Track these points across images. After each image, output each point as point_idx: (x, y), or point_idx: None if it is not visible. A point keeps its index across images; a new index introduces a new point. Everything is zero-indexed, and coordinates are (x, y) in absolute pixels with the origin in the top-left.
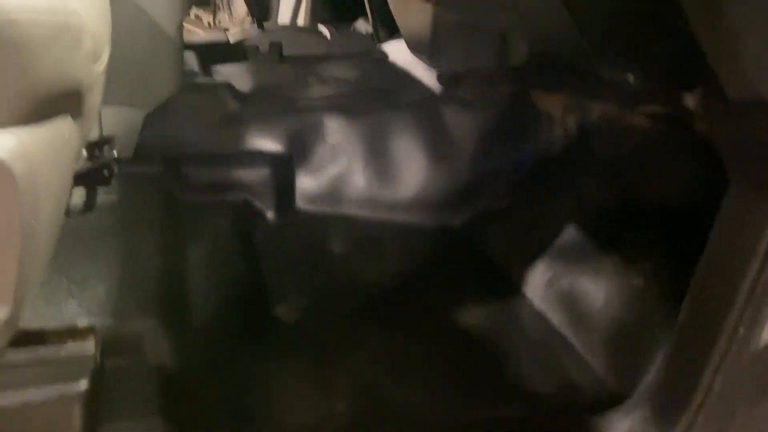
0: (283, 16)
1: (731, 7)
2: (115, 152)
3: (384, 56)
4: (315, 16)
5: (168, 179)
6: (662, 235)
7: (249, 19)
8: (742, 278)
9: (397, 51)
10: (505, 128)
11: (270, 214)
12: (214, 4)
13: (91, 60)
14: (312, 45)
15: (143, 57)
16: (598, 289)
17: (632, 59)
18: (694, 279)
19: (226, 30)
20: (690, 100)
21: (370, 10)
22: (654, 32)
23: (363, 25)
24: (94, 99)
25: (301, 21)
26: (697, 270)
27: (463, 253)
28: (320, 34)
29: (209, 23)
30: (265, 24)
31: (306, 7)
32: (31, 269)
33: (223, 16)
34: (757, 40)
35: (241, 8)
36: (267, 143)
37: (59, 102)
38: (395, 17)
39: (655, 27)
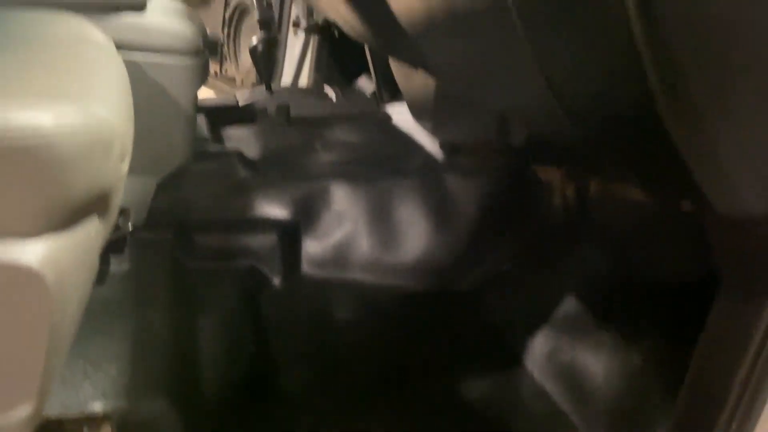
0: (287, 75)
1: (711, 125)
2: (130, 224)
3: (387, 118)
4: (319, 74)
5: (178, 246)
6: (662, 313)
7: (254, 70)
8: (732, 378)
9: (399, 113)
10: (505, 196)
11: (276, 280)
12: (221, 54)
13: (119, 161)
14: (318, 107)
15: (159, 128)
16: (597, 365)
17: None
18: (690, 370)
19: (232, 79)
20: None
21: (374, 72)
22: (642, 142)
23: (365, 82)
24: (118, 195)
25: (304, 79)
26: (692, 363)
27: (467, 318)
28: (326, 95)
29: (216, 72)
30: (273, 83)
31: (310, 66)
32: (55, 363)
33: (229, 66)
34: (742, 159)
35: (247, 59)
36: (275, 210)
37: (88, 206)
38: (399, 84)
39: (643, 138)
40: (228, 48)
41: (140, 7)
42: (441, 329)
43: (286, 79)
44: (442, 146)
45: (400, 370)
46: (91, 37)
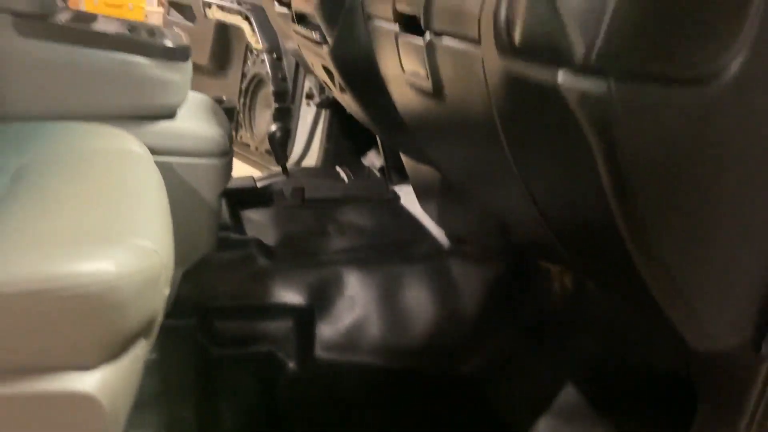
0: (299, 144)
1: (672, 263)
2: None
3: (396, 198)
4: (329, 146)
5: (201, 333)
6: (656, 404)
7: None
8: None
9: (407, 194)
10: (507, 283)
11: (292, 364)
12: (236, 122)
13: (165, 286)
14: (331, 188)
15: (187, 224)
16: None
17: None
18: None
19: (247, 145)
20: None
21: (384, 156)
22: (616, 265)
23: (374, 157)
24: (161, 314)
25: (315, 149)
26: None
27: (471, 402)
28: (338, 176)
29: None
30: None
31: (320, 138)
32: None
33: (244, 133)
34: (705, 295)
35: (261, 127)
36: (291, 296)
37: (139, 333)
38: (407, 170)
39: (617, 261)
40: (243, 116)
41: (171, 115)
42: (446, 412)
43: (297, 148)
44: (448, 234)
45: None
46: (128, 147)
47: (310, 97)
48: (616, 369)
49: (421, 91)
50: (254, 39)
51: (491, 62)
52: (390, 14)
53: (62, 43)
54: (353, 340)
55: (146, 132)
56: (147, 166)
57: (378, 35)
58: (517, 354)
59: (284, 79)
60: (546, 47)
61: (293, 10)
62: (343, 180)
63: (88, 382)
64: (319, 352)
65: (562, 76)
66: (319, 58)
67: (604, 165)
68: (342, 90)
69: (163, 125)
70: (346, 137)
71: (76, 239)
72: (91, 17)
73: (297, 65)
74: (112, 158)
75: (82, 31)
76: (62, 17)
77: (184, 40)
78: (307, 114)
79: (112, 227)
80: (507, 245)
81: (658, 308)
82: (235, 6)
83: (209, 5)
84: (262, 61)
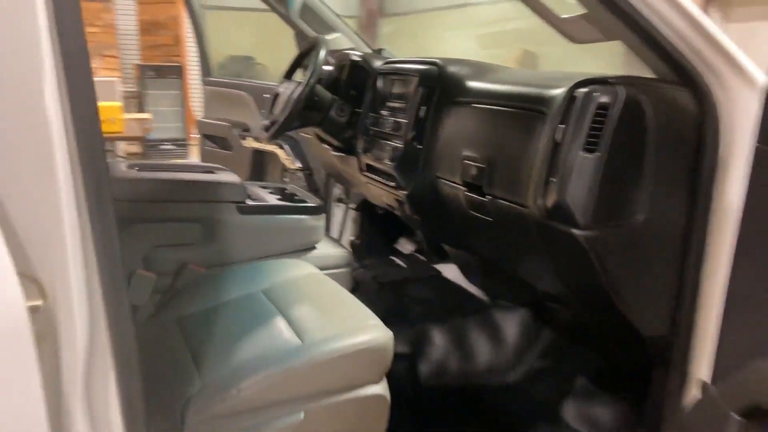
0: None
1: (634, 300)
2: None
3: (439, 273)
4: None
5: None
6: (626, 386)
7: None
8: None
9: (447, 270)
10: (530, 321)
11: (407, 388)
12: None
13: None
14: (396, 273)
15: None
16: (604, 413)
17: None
18: None
19: None
20: None
21: (427, 243)
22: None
23: (405, 244)
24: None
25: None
26: None
27: (512, 401)
28: (394, 262)
29: None
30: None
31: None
32: None
33: None
34: (650, 310)
35: None
36: (399, 347)
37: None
38: (449, 255)
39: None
40: None
41: (313, 247)
42: (494, 409)
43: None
44: (487, 294)
45: None
46: (311, 270)
47: (340, 200)
48: (600, 366)
49: (483, 220)
50: (288, 161)
51: (533, 218)
52: (458, 180)
53: (259, 215)
54: (438, 370)
55: (307, 258)
56: (326, 278)
57: (446, 188)
58: (538, 367)
59: (317, 189)
60: (567, 219)
61: (361, 162)
62: (399, 265)
63: (379, 388)
64: (420, 378)
65: (574, 231)
66: (387, 192)
67: (596, 262)
68: (401, 206)
69: (315, 252)
70: (377, 230)
71: (355, 321)
72: (262, 197)
73: (327, 176)
74: (312, 277)
75: (267, 206)
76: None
77: (316, 200)
78: (337, 214)
79: (358, 312)
80: (529, 298)
81: (626, 320)
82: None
83: (244, 137)
84: (298, 177)
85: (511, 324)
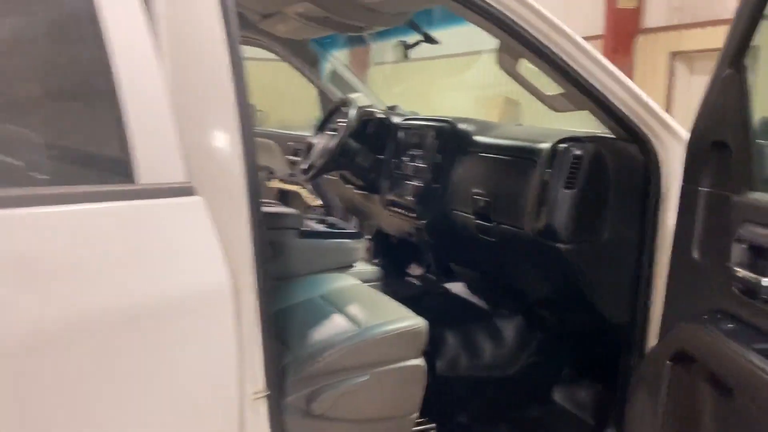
0: None
1: (610, 303)
2: None
3: (447, 289)
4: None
5: None
6: (601, 372)
7: None
8: None
9: (453, 287)
10: (525, 326)
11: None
12: None
13: None
14: (411, 288)
15: None
16: (585, 393)
17: None
18: None
19: None
20: None
21: (437, 265)
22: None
23: (415, 268)
24: None
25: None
26: None
27: (515, 390)
28: (410, 281)
29: None
30: None
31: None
32: None
33: None
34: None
35: None
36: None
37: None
38: (457, 273)
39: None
40: None
41: (353, 265)
42: (503, 397)
43: None
44: (489, 305)
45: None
46: (354, 281)
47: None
48: (582, 358)
49: (489, 241)
50: (310, 198)
51: (528, 237)
52: (470, 211)
53: (313, 239)
54: (451, 361)
55: (348, 273)
56: (367, 287)
57: (459, 217)
58: (532, 362)
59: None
60: (553, 237)
61: (385, 198)
62: (413, 283)
63: (419, 361)
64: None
65: (559, 245)
66: (407, 223)
67: (576, 269)
68: (418, 233)
69: (354, 269)
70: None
71: (396, 313)
72: (311, 225)
73: (345, 210)
74: (357, 285)
75: (320, 231)
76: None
77: (355, 228)
78: None
79: (397, 307)
80: (523, 306)
81: (597, 313)
82: (294, 178)
83: (269, 179)
84: (318, 212)
85: (509, 328)
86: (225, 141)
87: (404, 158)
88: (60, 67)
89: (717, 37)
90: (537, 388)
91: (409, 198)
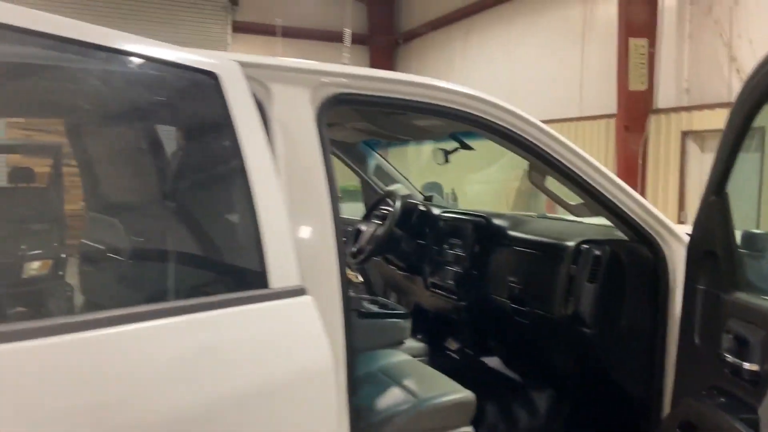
0: None
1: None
2: None
3: (485, 364)
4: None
5: None
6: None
7: None
8: None
9: (489, 361)
10: (555, 395)
11: None
12: None
13: None
14: (451, 361)
15: None
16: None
17: None
18: None
19: None
20: None
21: (473, 341)
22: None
23: (450, 342)
24: None
25: None
26: None
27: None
28: (450, 355)
29: None
30: None
31: None
32: None
33: None
34: None
35: None
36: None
37: None
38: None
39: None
40: None
41: (403, 341)
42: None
43: None
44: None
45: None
46: (407, 357)
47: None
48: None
49: (523, 323)
50: (353, 276)
51: (557, 322)
52: (505, 296)
53: (371, 318)
54: (491, 424)
55: (401, 349)
56: (418, 362)
57: (496, 301)
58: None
59: (376, 297)
60: (580, 323)
61: (427, 281)
62: (456, 358)
63: (469, 429)
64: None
65: (584, 330)
66: (448, 302)
67: (598, 351)
68: (458, 313)
69: (404, 346)
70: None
71: (447, 386)
72: (366, 306)
73: (385, 287)
74: (409, 361)
75: (376, 312)
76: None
77: (403, 309)
78: None
79: (447, 381)
80: (553, 381)
81: (618, 387)
82: None
83: None
84: (360, 288)
85: (541, 399)
86: (324, 244)
87: (445, 246)
88: (214, 194)
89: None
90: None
91: (450, 282)
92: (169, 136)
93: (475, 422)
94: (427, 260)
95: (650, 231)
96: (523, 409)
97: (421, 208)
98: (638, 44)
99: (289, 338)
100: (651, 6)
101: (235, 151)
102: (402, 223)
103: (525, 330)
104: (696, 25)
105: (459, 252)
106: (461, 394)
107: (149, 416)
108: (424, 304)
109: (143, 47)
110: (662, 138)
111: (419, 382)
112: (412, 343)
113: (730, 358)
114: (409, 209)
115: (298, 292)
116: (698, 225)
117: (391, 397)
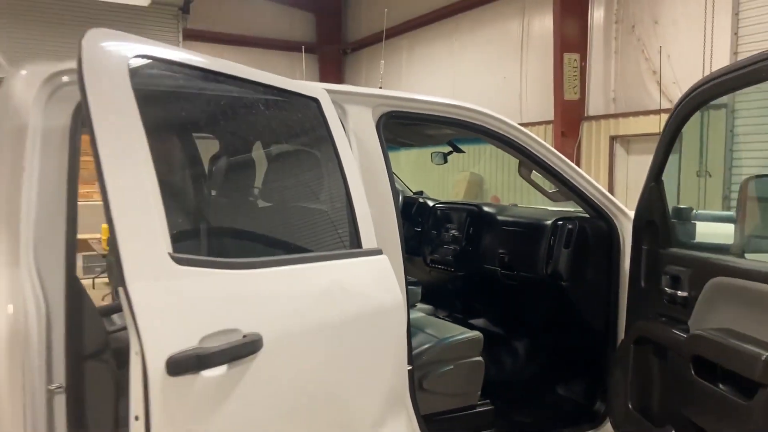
0: None
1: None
2: None
3: (473, 325)
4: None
5: None
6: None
7: None
8: None
9: (476, 322)
10: (536, 342)
11: None
12: None
13: None
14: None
15: None
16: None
17: None
18: None
19: None
20: None
21: (464, 306)
22: None
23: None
24: None
25: None
26: None
27: (533, 390)
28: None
29: None
30: None
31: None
32: None
33: None
34: None
35: None
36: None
37: None
38: None
39: None
40: None
41: (415, 306)
42: (512, 385)
43: None
44: (506, 331)
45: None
46: (421, 313)
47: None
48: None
49: (511, 285)
50: None
51: (541, 279)
52: (497, 265)
53: None
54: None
55: (415, 309)
56: (431, 317)
57: (488, 270)
58: (540, 368)
59: None
60: (558, 278)
61: (427, 258)
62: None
63: (479, 358)
64: None
65: (562, 283)
66: (447, 275)
67: (572, 299)
68: (453, 283)
69: (416, 307)
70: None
71: (461, 329)
72: None
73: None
74: (427, 317)
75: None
76: None
77: (413, 279)
78: None
79: (458, 326)
80: (533, 331)
81: (586, 325)
82: None
83: None
84: None
85: (521, 345)
86: (388, 219)
87: (442, 230)
88: (329, 186)
89: (647, 124)
90: (545, 384)
91: (449, 258)
92: (295, 145)
93: None
94: (426, 242)
95: (606, 210)
96: (509, 354)
97: (420, 200)
98: (571, 58)
99: (377, 282)
100: (582, 24)
101: (336, 156)
102: (402, 214)
103: (513, 290)
104: (621, 41)
105: (455, 233)
106: (471, 333)
107: (313, 322)
108: (424, 278)
109: (272, 79)
110: (593, 142)
111: (438, 329)
112: (422, 306)
113: (668, 290)
114: (408, 203)
115: (378, 252)
116: (641, 203)
117: (422, 337)
